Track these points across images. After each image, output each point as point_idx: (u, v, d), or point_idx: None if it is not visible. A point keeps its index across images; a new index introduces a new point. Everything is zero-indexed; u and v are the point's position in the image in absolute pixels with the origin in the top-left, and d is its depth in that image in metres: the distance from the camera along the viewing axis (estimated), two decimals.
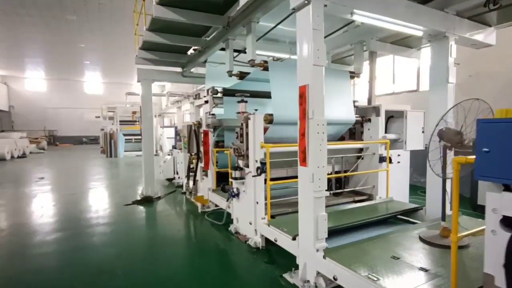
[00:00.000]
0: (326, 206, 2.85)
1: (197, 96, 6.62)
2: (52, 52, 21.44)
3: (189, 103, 27.64)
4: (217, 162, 5.59)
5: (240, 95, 4.32)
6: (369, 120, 4.86)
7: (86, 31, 17.08)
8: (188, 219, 5.37)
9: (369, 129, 4.91)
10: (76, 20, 15.52)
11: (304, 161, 2.79)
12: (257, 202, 3.80)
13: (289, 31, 4.95)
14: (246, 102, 4.26)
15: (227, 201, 4.67)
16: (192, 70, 7.14)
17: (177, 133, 26.40)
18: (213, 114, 5.61)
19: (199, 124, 5.92)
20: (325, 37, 5.50)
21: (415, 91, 7.83)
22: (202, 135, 5.82)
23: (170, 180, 8.70)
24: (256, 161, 3.75)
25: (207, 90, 5.63)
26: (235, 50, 5.84)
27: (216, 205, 5.56)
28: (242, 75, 4.82)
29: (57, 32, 17.01)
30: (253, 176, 3.62)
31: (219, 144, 5.63)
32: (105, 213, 5.62)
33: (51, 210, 5.95)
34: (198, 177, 6.06)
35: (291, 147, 3.76)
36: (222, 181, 5.64)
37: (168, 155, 8.80)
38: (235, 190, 4.23)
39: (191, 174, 6.40)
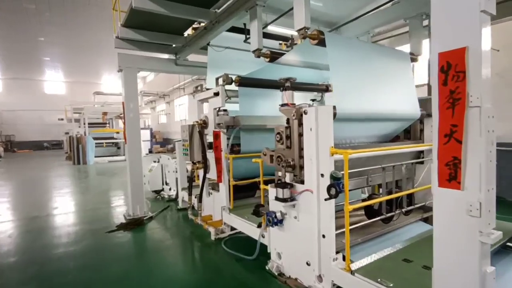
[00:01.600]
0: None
1: (198, 88, 5.25)
2: (7, 47, 18.77)
3: (165, 103, 25.80)
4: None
5: (283, 81, 3.07)
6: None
7: (47, 22, 14.90)
8: (201, 252, 4.03)
9: (432, 126, 3.85)
10: (35, 10, 13.37)
11: (452, 180, 1.63)
12: (323, 236, 2.58)
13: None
14: (292, 89, 3.02)
15: (258, 227, 3.42)
16: (187, 57, 5.78)
17: (152, 136, 24.60)
18: (225, 110, 4.32)
19: (204, 124, 4.59)
20: (370, 11, 4.49)
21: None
22: (211, 137, 4.52)
23: (157, 192, 7.22)
24: (322, 175, 2.53)
25: (217, 79, 4.32)
26: (233, 29, 4.62)
27: (232, 228, 4.28)
28: (273, 56, 3.56)
29: (12, 23, 14.65)
30: (326, 199, 2.40)
31: (233, 149, 4.35)
32: (81, 248, 4.12)
33: (4, 246, 4.34)
34: (204, 192, 4.72)
35: (378, 151, 2.62)
36: (238, 196, 4.38)
37: (155, 162, 7.32)
38: (278, 215, 2.98)
39: (193, 187, 5.04)
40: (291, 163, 2.83)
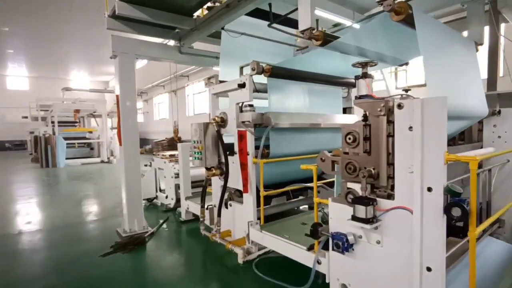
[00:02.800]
0: None
1: (211, 81, 4.36)
2: None
3: (142, 101, 24.31)
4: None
5: (360, 65, 2.41)
6: (499, 112, 3.32)
7: (11, 10, 13.25)
8: (228, 280, 3.26)
9: (495, 126, 3.37)
10: None
11: None
12: (429, 269, 1.94)
13: None
14: (371, 77, 2.37)
15: (309, 249, 2.74)
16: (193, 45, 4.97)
17: None
18: (251, 105, 3.59)
19: (222, 122, 3.83)
20: None
21: None
22: (228, 138, 3.79)
23: (149, 200, 6.32)
24: (429, 189, 1.89)
25: (242, 68, 3.59)
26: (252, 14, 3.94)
27: (260, 246, 3.56)
28: (326, 39, 2.87)
29: None
30: (452, 222, 1.76)
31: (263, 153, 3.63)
32: (70, 282, 3.21)
33: None
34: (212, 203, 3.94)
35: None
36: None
37: (146, 165, 6.40)
38: (350, 238, 2.31)
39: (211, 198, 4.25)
40: (372, 172, 2.17)
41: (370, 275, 2.28)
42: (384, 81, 4.34)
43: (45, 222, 5.32)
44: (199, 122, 4.00)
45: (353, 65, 2.44)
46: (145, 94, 22.95)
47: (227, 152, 3.68)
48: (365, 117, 2.27)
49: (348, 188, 2.41)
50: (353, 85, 4.59)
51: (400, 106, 2.03)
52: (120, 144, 4.39)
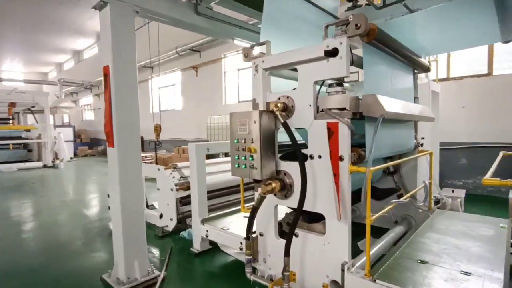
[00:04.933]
0: None
1: (249, 54, 3.01)
2: None
3: (92, 95, 21.21)
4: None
5: None
6: None
7: None
8: None
9: None
10: None
11: None
12: None
13: None
14: None
15: None
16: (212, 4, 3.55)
17: (76, 136, 20.04)
18: (340, 84, 2.35)
19: (284, 109, 2.52)
20: None
21: (487, 76, 6.08)
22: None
23: None
24: None
25: (327, 27, 2.31)
26: None
27: None
28: None
29: None
30: None
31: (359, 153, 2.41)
32: None
33: None
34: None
35: None
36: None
37: None
38: None
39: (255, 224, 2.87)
40: None
41: None
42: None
43: None
44: (245, 110, 2.64)
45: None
46: (96, 88, 20.04)
47: (302, 156, 2.38)
48: None
49: None
50: (427, 69, 3.61)
51: None
52: (111, 144, 2.81)
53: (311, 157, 2.43)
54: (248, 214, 2.69)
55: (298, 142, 2.47)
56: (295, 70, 2.55)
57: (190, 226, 3.87)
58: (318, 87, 2.42)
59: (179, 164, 4.53)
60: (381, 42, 2.49)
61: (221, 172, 4.54)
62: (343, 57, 2.19)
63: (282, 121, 2.42)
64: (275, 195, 2.67)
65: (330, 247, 2.37)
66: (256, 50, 2.88)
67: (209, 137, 11.10)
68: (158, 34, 7.94)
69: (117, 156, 2.76)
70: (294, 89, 2.61)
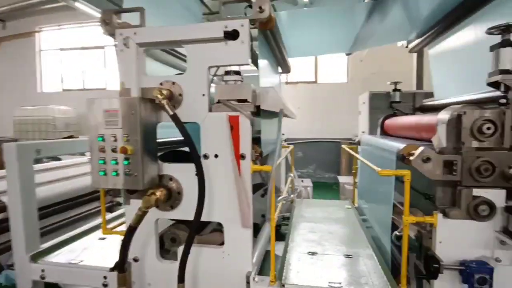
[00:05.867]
0: None
1: (111, 21, 2.03)
2: None
3: None
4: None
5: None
6: None
7: None
8: None
9: None
10: None
11: None
12: None
13: None
14: None
15: None
16: None
17: None
18: (237, 73, 2.11)
19: (170, 97, 2.01)
20: None
21: (314, 83, 7.34)
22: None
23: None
24: None
25: (223, 4, 1.98)
26: None
27: None
28: None
29: None
30: None
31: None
32: None
33: None
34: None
35: None
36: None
37: None
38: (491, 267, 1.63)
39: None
40: None
41: None
42: None
43: None
44: (110, 96, 1.94)
45: (488, 30, 1.73)
46: None
47: (197, 156, 1.95)
48: (506, 100, 1.67)
49: (474, 197, 1.73)
50: (289, 70, 3.88)
51: None
52: None
53: (206, 156, 2.04)
54: (109, 236, 2.01)
55: (175, 140, 2.04)
56: (173, 55, 2.08)
57: (9, 266, 2.60)
58: (212, 74, 2.06)
59: None
60: (272, 34, 2.39)
61: (61, 180, 3.34)
62: (245, 42, 1.93)
63: (171, 112, 1.90)
64: (157, 206, 2.10)
65: (230, 259, 2.07)
66: (115, 20, 2.17)
67: (19, 134, 8.33)
68: None
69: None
70: (180, 73, 2.14)
